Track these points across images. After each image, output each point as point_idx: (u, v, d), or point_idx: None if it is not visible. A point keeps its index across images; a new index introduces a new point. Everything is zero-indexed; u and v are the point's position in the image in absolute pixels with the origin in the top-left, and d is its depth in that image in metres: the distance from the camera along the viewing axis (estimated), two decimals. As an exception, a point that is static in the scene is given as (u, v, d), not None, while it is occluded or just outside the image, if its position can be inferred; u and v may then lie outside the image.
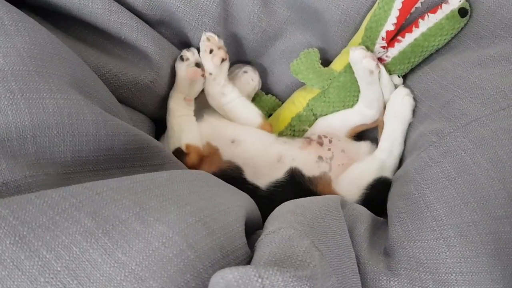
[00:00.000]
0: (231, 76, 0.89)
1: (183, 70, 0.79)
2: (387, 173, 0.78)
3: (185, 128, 0.79)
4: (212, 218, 0.46)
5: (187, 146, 0.77)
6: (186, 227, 0.43)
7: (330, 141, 0.84)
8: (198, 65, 0.80)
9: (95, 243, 0.40)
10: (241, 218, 0.50)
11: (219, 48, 0.80)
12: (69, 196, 0.43)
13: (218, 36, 0.81)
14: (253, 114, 0.85)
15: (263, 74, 0.94)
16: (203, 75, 0.80)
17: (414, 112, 0.80)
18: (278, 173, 0.79)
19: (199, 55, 0.81)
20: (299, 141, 0.83)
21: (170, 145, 0.78)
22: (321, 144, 0.83)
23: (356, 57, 0.79)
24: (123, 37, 0.70)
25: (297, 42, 0.89)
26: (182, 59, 0.80)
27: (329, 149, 0.83)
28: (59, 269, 0.39)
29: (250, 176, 0.77)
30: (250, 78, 0.91)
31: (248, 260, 0.47)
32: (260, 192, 0.75)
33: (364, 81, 0.81)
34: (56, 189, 0.44)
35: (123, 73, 0.70)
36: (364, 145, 0.86)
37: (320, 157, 0.81)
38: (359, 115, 0.85)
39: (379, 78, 0.81)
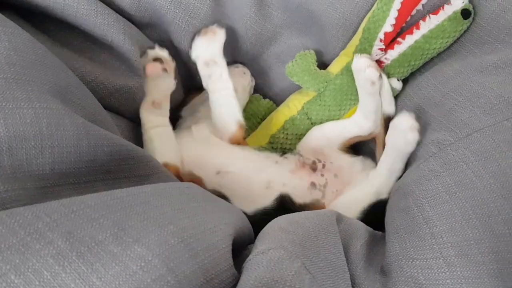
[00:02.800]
0: None
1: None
2: (384, 195, 0.74)
3: (157, 145, 0.72)
4: (196, 239, 0.43)
5: (164, 165, 0.70)
6: (167, 249, 0.41)
7: (324, 166, 0.80)
8: (160, 60, 0.73)
9: (68, 266, 0.38)
10: (228, 237, 0.47)
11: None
12: (43, 214, 0.40)
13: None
14: (230, 119, 0.78)
15: (259, 77, 0.92)
16: (165, 69, 0.73)
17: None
18: (267, 200, 0.74)
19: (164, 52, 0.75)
20: (291, 161, 0.79)
21: None
22: (314, 169, 0.79)
23: (360, 65, 0.76)
24: (110, 40, 0.67)
25: (293, 46, 0.86)
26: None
27: (322, 175, 0.79)
28: (28, 295, 0.36)
29: (237, 203, 0.72)
30: (242, 72, 0.89)
31: (234, 283, 0.44)
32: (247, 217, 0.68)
33: (365, 91, 0.78)
34: (30, 207, 0.41)
35: (109, 81, 0.67)
36: (358, 163, 0.82)
37: (313, 184, 0.77)
38: (355, 126, 0.82)
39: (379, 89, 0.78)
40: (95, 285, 0.37)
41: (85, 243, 0.39)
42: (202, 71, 0.77)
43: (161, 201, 0.47)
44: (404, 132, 0.71)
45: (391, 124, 0.75)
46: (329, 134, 0.83)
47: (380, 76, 0.76)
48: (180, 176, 0.72)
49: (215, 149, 0.77)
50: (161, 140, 0.73)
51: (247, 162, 0.77)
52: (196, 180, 0.73)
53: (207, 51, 0.76)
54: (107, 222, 0.41)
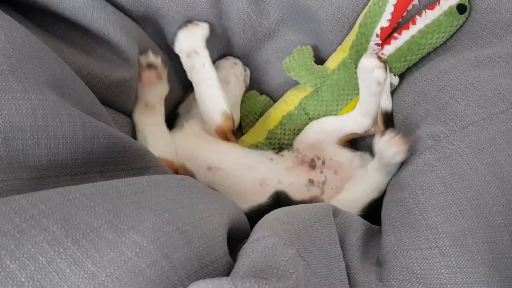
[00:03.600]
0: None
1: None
2: (383, 189, 0.74)
3: (151, 141, 0.71)
4: (191, 227, 0.43)
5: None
6: (162, 236, 0.41)
7: (323, 163, 0.80)
8: (153, 66, 0.74)
9: (63, 252, 0.38)
10: (223, 226, 0.47)
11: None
12: (39, 202, 0.41)
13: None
14: (215, 109, 0.76)
15: (256, 73, 0.92)
16: (159, 76, 0.75)
17: (411, 115, 0.78)
18: (261, 198, 0.74)
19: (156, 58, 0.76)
20: (288, 159, 0.79)
21: None
22: (313, 167, 0.79)
23: (368, 66, 0.76)
24: (106, 33, 0.67)
25: (290, 42, 0.87)
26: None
27: (321, 172, 0.79)
28: (23, 280, 0.36)
29: None
30: (232, 63, 0.88)
31: (229, 271, 0.44)
32: None
33: (369, 91, 0.78)
34: (25, 195, 0.41)
35: (106, 75, 0.67)
36: (357, 158, 0.82)
37: (310, 181, 0.77)
38: (354, 123, 0.82)
39: None
40: (90, 271, 0.37)
41: (80, 229, 0.39)
42: (185, 62, 0.77)
43: (157, 191, 0.48)
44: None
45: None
46: (327, 129, 0.83)
47: (387, 76, 0.77)
48: (176, 171, 0.72)
49: (206, 144, 0.77)
50: (155, 136, 0.73)
51: (239, 159, 0.76)
52: (189, 175, 0.73)
53: (189, 43, 0.76)
54: (103, 210, 0.42)
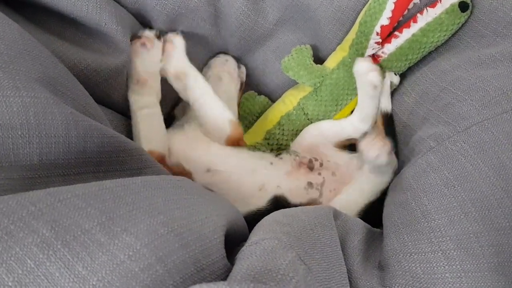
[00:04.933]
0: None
1: None
2: (381, 190, 0.73)
3: (143, 129, 0.69)
4: (187, 229, 0.42)
5: (150, 154, 0.67)
6: (157, 239, 0.39)
7: (321, 164, 0.79)
8: (137, 36, 0.71)
9: (53, 255, 0.36)
10: (221, 228, 0.45)
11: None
12: (28, 203, 0.39)
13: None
14: (221, 120, 0.74)
15: (255, 74, 0.91)
16: (144, 44, 0.70)
17: (412, 116, 0.76)
18: (260, 202, 0.72)
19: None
20: (287, 163, 0.77)
21: None
22: (311, 168, 0.78)
23: (362, 69, 0.75)
24: (103, 25, 0.66)
25: (289, 42, 0.85)
26: None
27: (319, 174, 0.78)
28: (10, 284, 0.35)
29: None
30: (224, 60, 0.86)
31: (226, 275, 0.42)
32: None
33: (366, 94, 0.77)
34: (14, 195, 0.40)
35: (102, 68, 0.65)
36: (355, 160, 0.80)
37: (309, 184, 0.76)
38: (351, 127, 0.81)
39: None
40: (81, 274, 0.36)
41: (71, 231, 0.38)
42: (176, 85, 0.74)
43: (151, 192, 0.46)
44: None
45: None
46: (325, 133, 0.82)
47: (383, 79, 0.75)
48: (165, 164, 0.69)
49: (206, 146, 0.74)
50: (147, 124, 0.70)
51: (240, 163, 0.74)
52: (186, 174, 0.71)
53: (172, 66, 0.73)
54: (95, 211, 0.40)
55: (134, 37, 0.72)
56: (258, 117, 0.90)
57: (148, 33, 0.72)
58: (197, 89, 0.73)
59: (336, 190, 0.76)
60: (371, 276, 0.53)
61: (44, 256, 0.36)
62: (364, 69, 0.75)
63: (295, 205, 0.73)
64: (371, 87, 0.75)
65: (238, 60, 0.89)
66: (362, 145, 0.70)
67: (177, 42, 0.73)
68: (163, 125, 0.73)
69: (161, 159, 0.69)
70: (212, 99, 0.74)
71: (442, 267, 0.51)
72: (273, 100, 0.92)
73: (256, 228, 0.52)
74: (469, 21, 0.76)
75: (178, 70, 0.73)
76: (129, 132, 0.72)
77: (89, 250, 0.37)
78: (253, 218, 0.67)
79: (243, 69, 0.89)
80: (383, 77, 0.77)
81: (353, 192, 0.74)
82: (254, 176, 0.74)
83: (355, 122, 0.80)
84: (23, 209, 0.38)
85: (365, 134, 0.80)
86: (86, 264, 0.36)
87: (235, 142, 0.76)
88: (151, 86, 0.72)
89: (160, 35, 0.74)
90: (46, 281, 0.35)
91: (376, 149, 0.68)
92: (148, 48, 0.71)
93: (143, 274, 0.36)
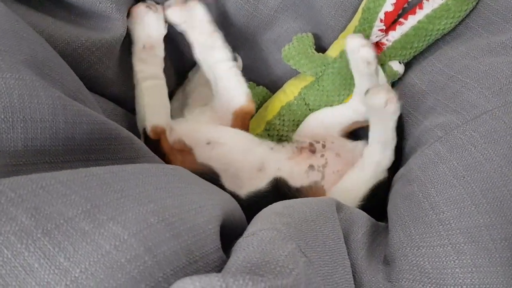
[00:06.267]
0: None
1: None
2: (384, 172, 0.70)
3: (148, 103, 0.67)
4: (179, 218, 0.39)
5: (154, 128, 0.67)
6: (146, 228, 0.36)
7: (324, 146, 0.76)
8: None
9: (32, 244, 0.33)
10: (216, 218, 0.42)
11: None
12: (7, 189, 0.36)
13: None
14: (239, 89, 0.73)
15: (255, 64, 0.88)
16: (148, 7, 0.69)
17: (418, 106, 0.73)
18: (260, 183, 0.70)
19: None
20: (288, 150, 0.75)
21: (138, 126, 0.69)
22: (313, 151, 0.75)
23: (354, 45, 0.71)
24: (98, 2, 0.63)
25: (291, 30, 0.82)
26: None
27: (322, 155, 0.75)
28: (-16, 275, 0.32)
29: (228, 183, 0.68)
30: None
31: (221, 268, 0.39)
32: (239, 201, 0.61)
33: (360, 73, 0.74)
34: (-7, 181, 0.37)
35: (97, 47, 0.63)
36: (361, 144, 0.77)
37: (311, 166, 0.73)
38: (352, 111, 0.78)
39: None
40: (62, 266, 0.33)
41: (52, 220, 0.35)
42: (202, 40, 0.72)
43: (142, 179, 0.43)
44: (380, 105, 0.67)
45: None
46: (326, 121, 0.79)
47: (377, 56, 0.72)
48: (165, 138, 0.68)
49: (208, 124, 0.73)
50: (152, 96, 0.69)
51: (240, 139, 0.73)
52: (186, 150, 0.69)
53: (205, 22, 0.71)
54: (79, 198, 0.37)
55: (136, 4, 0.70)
56: (257, 108, 0.88)
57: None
58: (224, 53, 0.72)
59: (341, 171, 0.73)
60: (376, 271, 0.50)
61: (23, 245, 0.33)
62: (356, 45, 0.71)
63: (296, 188, 0.70)
64: (365, 64, 0.71)
65: (238, 50, 0.86)
66: (369, 94, 0.67)
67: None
68: (167, 98, 0.72)
69: (163, 133, 0.68)
70: (236, 71, 0.73)
71: (452, 262, 0.48)
72: (274, 91, 0.89)
73: (254, 219, 0.49)
74: (477, 8, 0.73)
75: (211, 29, 0.71)
76: (122, 121, 0.69)
77: (71, 240, 0.34)
78: (254, 201, 0.65)
79: (240, 60, 0.86)
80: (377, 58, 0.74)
81: (355, 180, 0.71)
82: (254, 154, 0.72)
83: (354, 105, 0.77)
84: (1, 195, 0.35)
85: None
86: (68, 254, 0.33)
87: (245, 117, 0.75)
88: (157, 52, 0.71)
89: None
90: (24, 272, 0.33)
91: (384, 95, 0.65)
92: (153, 11, 0.70)
93: (130, 266, 0.34)
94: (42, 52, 0.53)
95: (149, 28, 0.70)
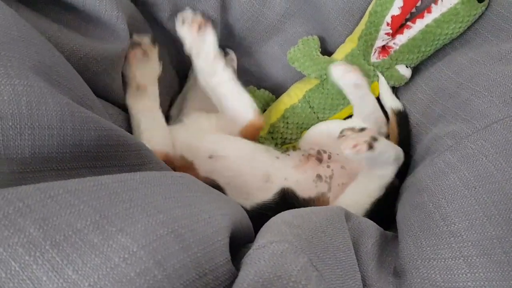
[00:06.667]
0: None
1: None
2: (390, 179, 0.69)
3: (144, 129, 0.66)
4: (189, 230, 0.38)
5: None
6: (155, 240, 0.36)
7: (330, 157, 0.76)
8: (137, 43, 0.69)
9: (40, 257, 0.33)
10: (225, 229, 0.42)
11: (194, 19, 0.69)
12: (15, 199, 0.36)
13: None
14: (245, 105, 0.72)
15: (261, 68, 0.88)
16: (145, 54, 0.69)
17: (426, 113, 0.72)
18: (266, 195, 0.69)
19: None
20: (294, 158, 0.74)
21: None
22: (320, 160, 0.75)
23: (338, 73, 0.73)
24: (104, 11, 0.62)
25: (297, 35, 0.82)
26: None
27: (328, 166, 0.74)
28: (-9, 289, 0.31)
29: (233, 196, 0.67)
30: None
31: (231, 281, 0.39)
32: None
33: (353, 96, 0.75)
34: (1, 190, 0.36)
35: (103, 57, 0.62)
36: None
37: (318, 176, 0.72)
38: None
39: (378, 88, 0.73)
40: (71, 279, 0.32)
41: (61, 231, 0.34)
42: (204, 66, 0.72)
43: (151, 189, 0.43)
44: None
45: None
46: (334, 133, 0.79)
47: (363, 79, 0.74)
48: (172, 162, 0.66)
49: (209, 134, 0.72)
50: (148, 123, 0.68)
51: (242, 149, 0.72)
52: (188, 166, 0.68)
53: (209, 46, 0.71)
54: (88, 209, 0.37)
55: (132, 44, 0.69)
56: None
57: (147, 41, 0.70)
58: (225, 73, 0.72)
59: (345, 184, 0.73)
60: (387, 283, 0.49)
61: (31, 258, 0.33)
62: (340, 73, 0.73)
63: (304, 199, 0.70)
64: (354, 87, 0.74)
65: (224, 47, 0.85)
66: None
67: (209, 28, 0.71)
68: (165, 124, 0.71)
69: (166, 157, 0.66)
70: (239, 87, 0.73)
71: (464, 275, 0.47)
72: (278, 95, 0.89)
73: (263, 229, 0.48)
74: (487, 14, 0.72)
75: (214, 53, 0.71)
76: (129, 127, 0.69)
77: (80, 252, 0.33)
78: (260, 213, 0.64)
79: (233, 55, 0.85)
80: (363, 74, 0.75)
81: (361, 189, 0.70)
82: (259, 165, 0.71)
83: (356, 122, 0.77)
84: (9, 205, 0.35)
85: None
86: (76, 267, 0.33)
87: (254, 131, 0.74)
88: (151, 91, 0.70)
89: (155, 41, 0.72)
90: (32, 285, 0.32)
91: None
92: (149, 56, 0.69)
93: (140, 280, 0.33)
94: (50, 57, 0.53)
95: (144, 72, 0.70)
